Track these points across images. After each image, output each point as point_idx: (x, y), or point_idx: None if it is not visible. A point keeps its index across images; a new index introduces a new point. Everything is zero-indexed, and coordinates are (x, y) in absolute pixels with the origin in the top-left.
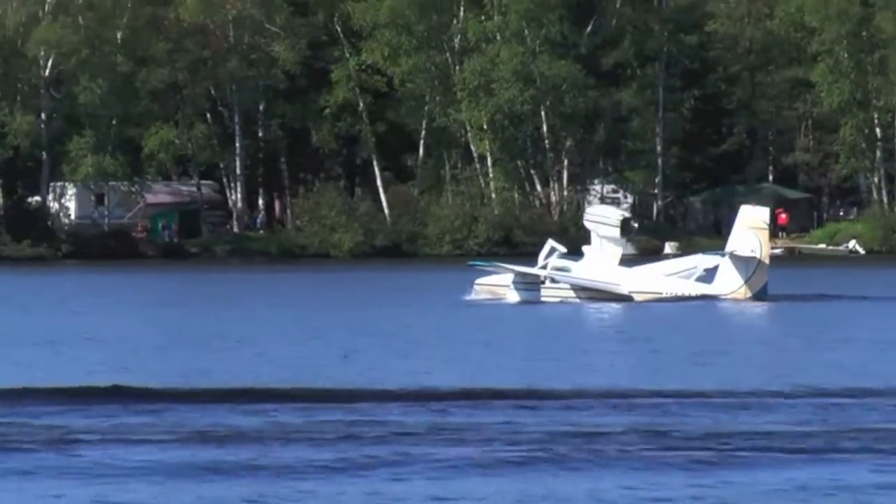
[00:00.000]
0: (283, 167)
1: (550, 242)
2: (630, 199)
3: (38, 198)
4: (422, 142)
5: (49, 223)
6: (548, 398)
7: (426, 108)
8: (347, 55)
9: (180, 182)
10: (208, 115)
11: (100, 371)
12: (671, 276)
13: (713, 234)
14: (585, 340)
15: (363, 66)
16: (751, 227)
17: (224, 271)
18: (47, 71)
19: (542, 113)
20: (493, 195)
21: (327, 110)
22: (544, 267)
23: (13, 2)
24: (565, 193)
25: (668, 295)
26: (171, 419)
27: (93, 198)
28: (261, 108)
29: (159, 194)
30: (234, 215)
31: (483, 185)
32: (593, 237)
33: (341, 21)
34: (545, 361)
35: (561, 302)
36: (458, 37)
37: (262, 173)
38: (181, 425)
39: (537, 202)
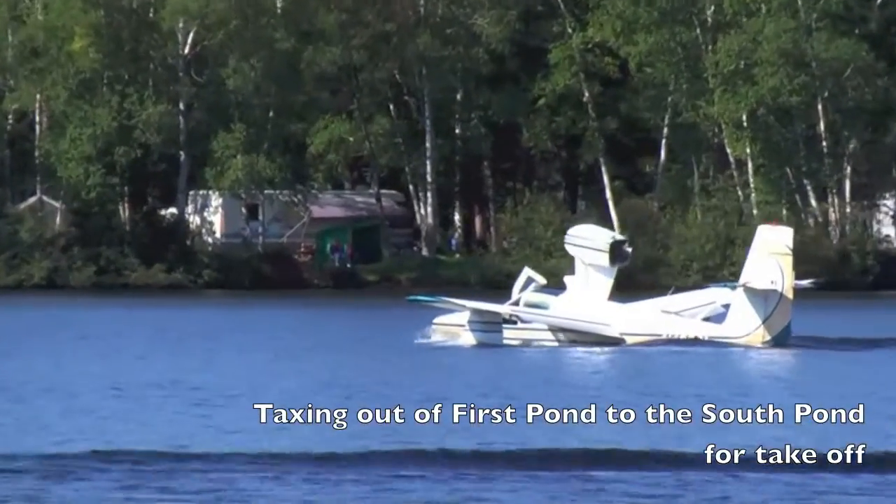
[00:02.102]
0: (485, 173)
1: (527, 272)
2: None
3: (173, 210)
4: (663, 142)
5: (188, 242)
6: None
7: (669, 99)
8: (570, 31)
9: (355, 192)
10: (391, 107)
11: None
12: (677, 313)
13: None
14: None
15: (589, 45)
16: (771, 253)
17: (410, 307)
18: (187, 48)
19: (819, 106)
20: (755, 211)
21: (542, 101)
22: (517, 302)
23: None
24: (848, 210)
25: (667, 338)
26: None
27: (244, 210)
28: (458, 97)
29: (328, 207)
30: (423, 234)
31: (741, 198)
32: (577, 265)
33: None
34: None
35: (524, 344)
36: (711, 8)
37: (458, 181)
38: None
39: (811, 220)
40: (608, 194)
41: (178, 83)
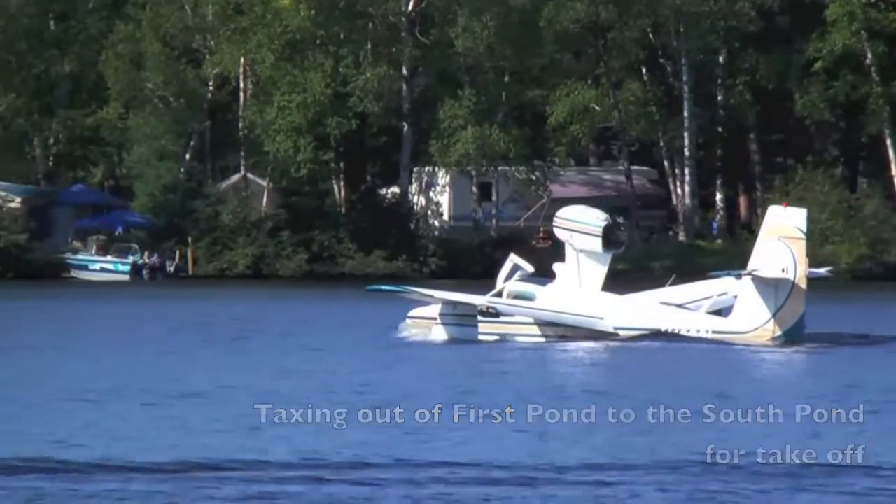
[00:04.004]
0: (752, 147)
1: (513, 259)
2: None
3: (395, 189)
4: None
5: (411, 226)
6: None
7: None
8: None
9: (601, 168)
10: (644, 70)
11: None
12: (680, 305)
13: None
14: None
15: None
16: (781, 237)
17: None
18: (410, 4)
19: None
20: None
21: (818, 64)
22: (499, 293)
23: None
24: None
25: (669, 331)
26: None
27: (474, 190)
28: (720, 60)
29: (571, 185)
30: (681, 217)
31: None
32: (567, 251)
33: None
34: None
35: (502, 340)
36: None
37: (720, 156)
38: None
39: None
40: (894, 170)
41: (401, 44)
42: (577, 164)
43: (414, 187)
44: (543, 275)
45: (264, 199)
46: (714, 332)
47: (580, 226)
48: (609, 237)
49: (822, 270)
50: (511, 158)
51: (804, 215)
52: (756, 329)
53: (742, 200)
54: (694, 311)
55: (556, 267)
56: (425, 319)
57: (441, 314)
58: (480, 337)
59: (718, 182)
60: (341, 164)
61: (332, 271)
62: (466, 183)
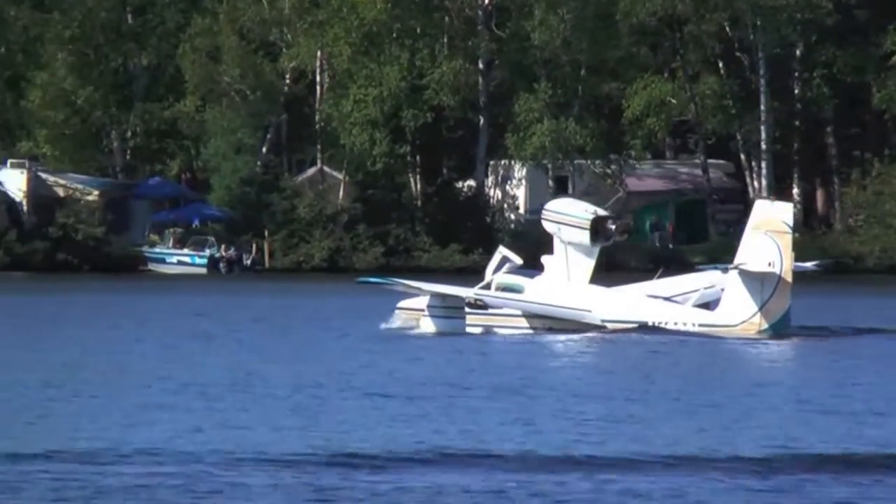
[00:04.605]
0: (829, 141)
1: (502, 251)
2: None
3: (471, 182)
4: None
5: (488, 219)
6: None
7: None
8: None
9: (678, 161)
10: (720, 64)
11: None
12: (667, 298)
13: None
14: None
15: None
16: (767, 231)
17: None
18: None
19: None
20: None
21: None
22: (488, 285)
23: None
24: None
25: (655, 325)
26: None
27: (551, 183)
28: (797, 53)
29: (647, 179)
30: None
31: None
32: (556, 244)
33: None
34: None
35: (488, 332)
36: None
37: (797, 150)
38: None
39: None
40: None
41: (477, 37)
42: (653, 157)
43: (490, 180)
44: (532, 268)
45: (340, 193)
46: (701, 325)
47: (568, 218)
48: (597, 230)
49: (809, 264)
50: (587, 152)
51: (790, 209)
52: (743, 322)
53: (819, 194)
54: (681, 304)
55: (545, 259)
56: (414, 311)
57: (429, 306)
58: (468, 329)
59: (795, 176)
60: (417, 158)
61: (408, 264)
62: (542, 176)
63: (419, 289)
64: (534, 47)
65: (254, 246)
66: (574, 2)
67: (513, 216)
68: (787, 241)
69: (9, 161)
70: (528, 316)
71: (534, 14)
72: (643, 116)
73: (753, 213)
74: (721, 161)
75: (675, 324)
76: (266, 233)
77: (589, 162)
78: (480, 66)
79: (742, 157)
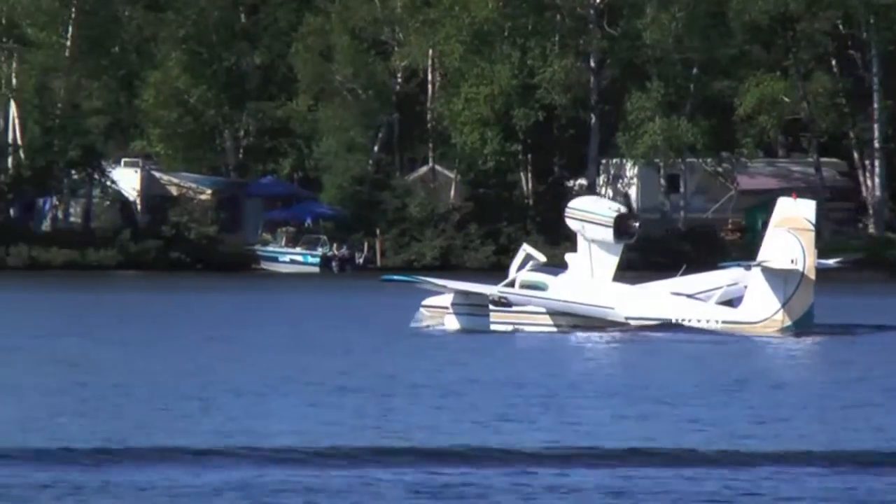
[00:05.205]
0: None
1: (525, 248)
2: None
3: (583, 181)
4: None
5: None
6: None
7: None
8: None
9: (790, 160)
10: (833, 62)
11: None
12: (690, 296)
13: None
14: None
15: None
16: (790, 228)
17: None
18: None
19: None
20: None
21: None
22: (512, 283)
23: None
24: None
25: (678, 322)
26: None
27: (662, 182)
28: None
29: (759, 177)
30: (870, 209)
31: None
32: (579, 241)
33: None
34: None
35: (515, 330)
36: None
37: None
38: None
39: None
40: None
41: (588, 35)
42: (766, 155)
43: (601, 179)
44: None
45: (452, 191)
46: (724, 322)
47: (592, 216)
48: (620, 228)
49: (831, 262)
50: (699, 150)
51: (813, 207)
52: (766, 319)
53: None
54: (704, 301)
55: (568, 257)
56: (439, 308)
57: (453, 304)
58: (493, 327)
59: None
60: (529, 157)
61: None
62: (654, 175)
63: (444, 286)
64: (645, 45)
65: (366, 244)
66: (686, 0)
67: None
68: (809, 238)
69: (123, 160)
70: (552, 313)
71: (645, 12)
72: (755, 114)
73: (776, 210)
74: (834, 159)
75: (699, 321)
76: (377, 231)
77: (701, 160)
78: (592, 64)
79: (855, 155)
